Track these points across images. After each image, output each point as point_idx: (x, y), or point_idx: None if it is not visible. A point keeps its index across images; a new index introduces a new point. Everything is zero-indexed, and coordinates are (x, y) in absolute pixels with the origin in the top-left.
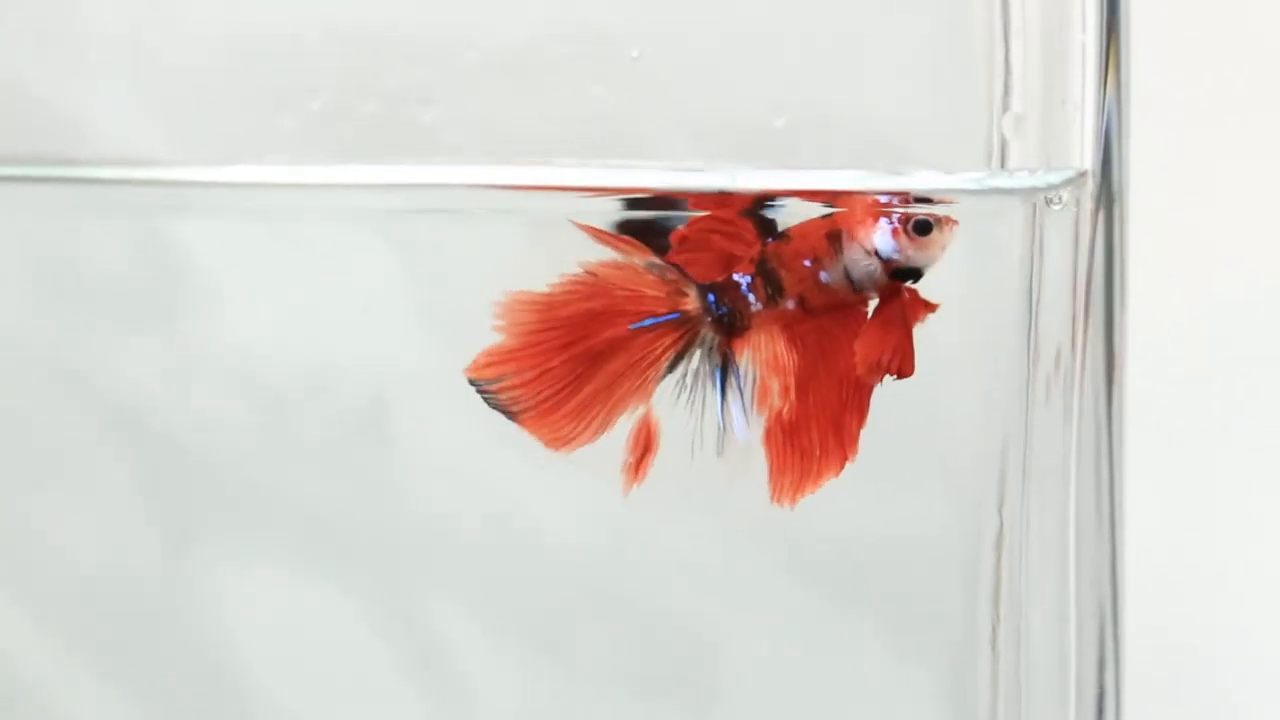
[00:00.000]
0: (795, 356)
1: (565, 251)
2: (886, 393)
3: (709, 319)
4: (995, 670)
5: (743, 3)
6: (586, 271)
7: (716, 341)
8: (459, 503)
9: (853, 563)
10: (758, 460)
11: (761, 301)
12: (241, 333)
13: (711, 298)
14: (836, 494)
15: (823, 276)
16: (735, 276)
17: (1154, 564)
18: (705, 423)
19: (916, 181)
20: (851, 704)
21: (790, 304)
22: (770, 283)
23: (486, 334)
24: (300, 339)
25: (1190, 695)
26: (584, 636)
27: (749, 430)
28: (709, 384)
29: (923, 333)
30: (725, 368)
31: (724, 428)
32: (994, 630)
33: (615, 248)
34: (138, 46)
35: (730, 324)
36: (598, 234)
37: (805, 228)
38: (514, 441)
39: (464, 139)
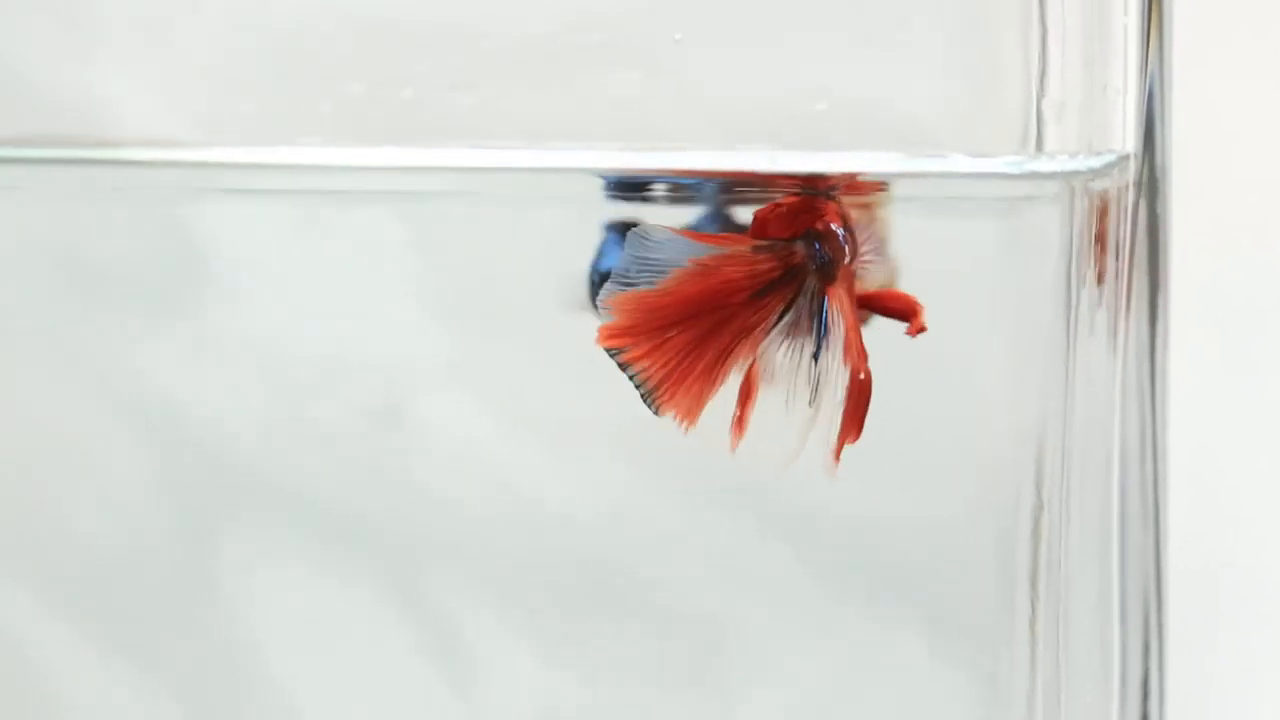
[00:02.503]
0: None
1: (593, 236)
2: (924, 373)
3: (813, 266)
4: (1033, 657)
5: None
6: (693, 262)
7: (817, 287)
8: (479, 493)
9: (883, 546)
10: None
11: (852, 254)
12: (264, 322)
13: (817, 245)
14: (868, 475)
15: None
16: (833, 226)
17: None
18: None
19: (955, 165)
20: (883, 693)
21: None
22: (853, 239)
23: (508, 326)
24: (322, 329)
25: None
26: (605, 627)
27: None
28: (809, 330)
29: (960, 314)
30: (824, 313)
31: (819, 374)
32: (1032, 615)
33: (716, 244)
34: (176, 32)
35: (828, 271)
36: (695, 236)
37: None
38: (533, 431)
39: (501, 124)
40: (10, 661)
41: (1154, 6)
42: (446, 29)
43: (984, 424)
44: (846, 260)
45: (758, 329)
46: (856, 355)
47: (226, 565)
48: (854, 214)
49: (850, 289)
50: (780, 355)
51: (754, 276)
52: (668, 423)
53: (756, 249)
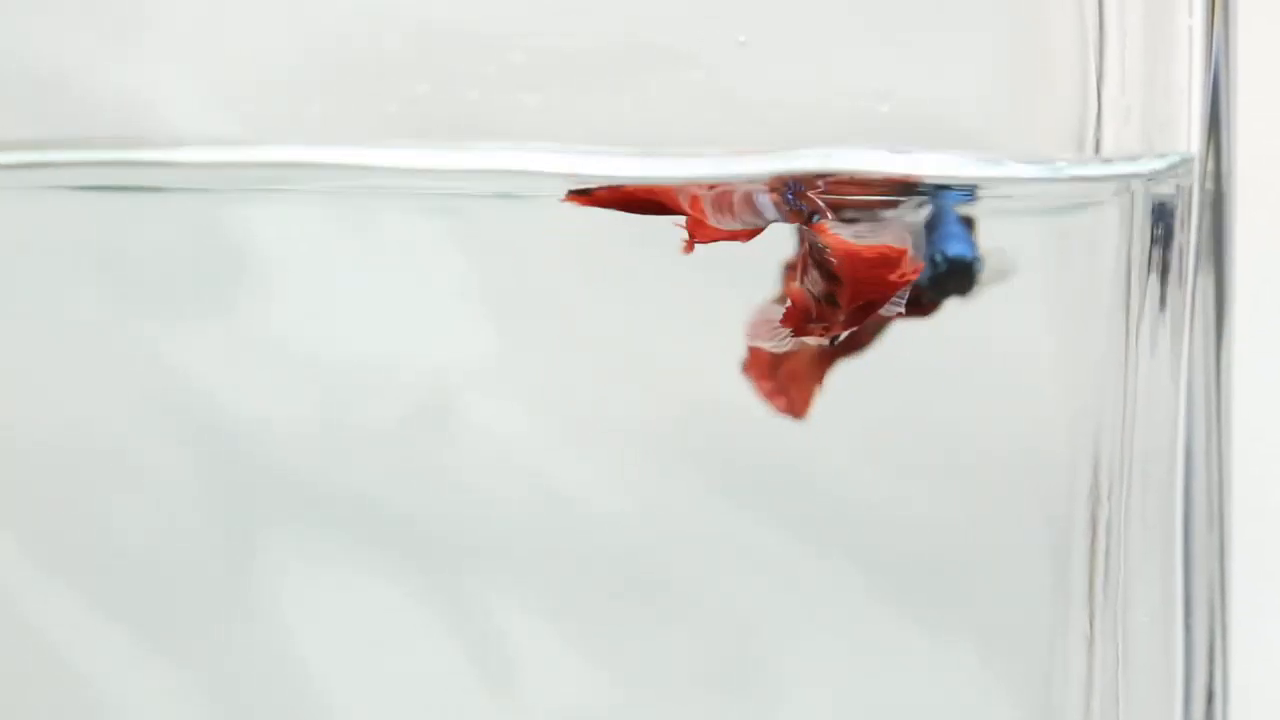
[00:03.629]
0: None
1: (636, 238)
2: (980, 375)
3: (787, 206)
4: (1090, 665)
5: None
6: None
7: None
8: (519, 493)
9: (933, 548)
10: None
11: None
12: (306, 323)
13: (790, 195)
14: (919, 476)
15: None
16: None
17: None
18: None
19: (1012, 170)
20: (930, 699)
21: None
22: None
23: (551, 326)
24: (364, 330)
25: None
26: (651, 631)
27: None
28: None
29: (1018, 315)
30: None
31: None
32: (1090, 622)
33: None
34: (239, 36)
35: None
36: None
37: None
38: (575, 432)
39: (565, 126)
40: (50, 661)
41: (1218, 5)
42: (505, 31)
43: (1041, 424)
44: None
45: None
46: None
47: (266, 566)
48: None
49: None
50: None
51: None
52: (708, 422)
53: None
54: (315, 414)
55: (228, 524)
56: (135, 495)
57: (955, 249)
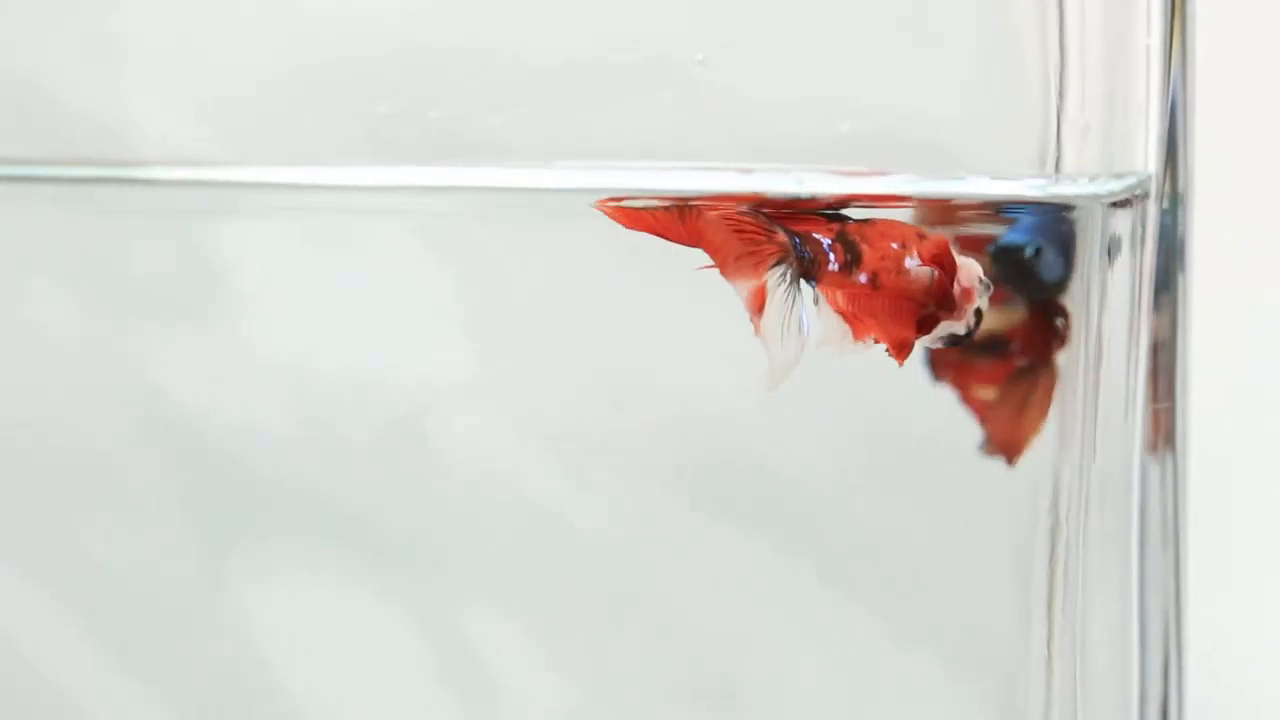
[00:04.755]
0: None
1: (617, 255)
2: (942, 393)
3: (793, 254)
4: (1049, 679)
5: (803, 8)
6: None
7: (794, 272)
8: (500, 509)
9: (903, 566)
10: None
11: (839, 264)
12: (285, 339)
13: (797, 240)
14: (888, 495)
15: (908, 262)
16: (816, 235)
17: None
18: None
19: (975, 187)
20: (899, 713)
21: (863, 277)
22: (849, 251)
23: (529, 341)
24: (343, 345)
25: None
26: (626, 645)
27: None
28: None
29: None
30: (793, 290)
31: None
32: (1049, 637)
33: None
34: (204, 56)
35: (808, 268)
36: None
37: (893, 222)
38: (555, 448)
39: (530, 145)
40: (28, 674)
41: (1176, 26)
42: (475, 51)
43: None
44: (834, 268)
45: (757, 264)
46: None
47: (243, 579)
48: (868, 230)
49: (846, 292)
50: (776, 297)
51: (739, 231)
52: (688, 436)
53: (745, 210)
54: (294, 429)
55: (205, 537)
56: (112, 507)
57: (1007, 238)
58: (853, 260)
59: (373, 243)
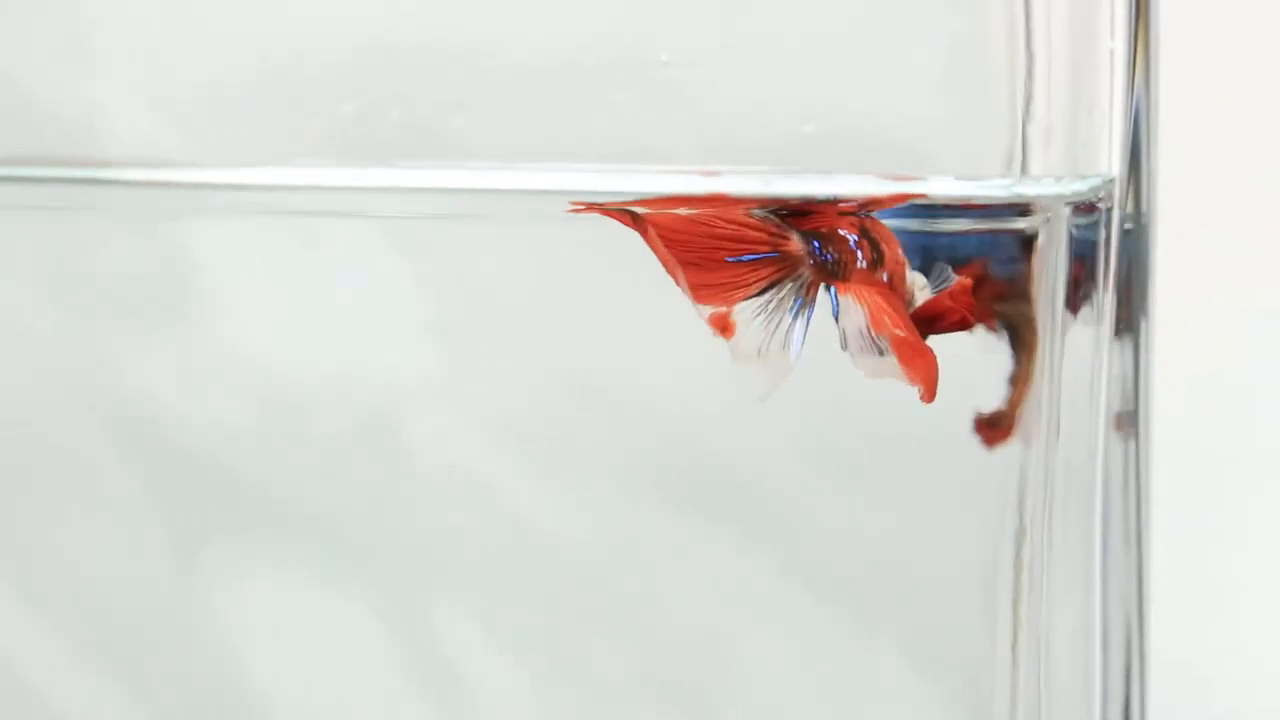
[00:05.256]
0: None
1: (586, 255)
2: (909, 393)
3: (811, 261)
4: (1014, 679)
5: (768, 10)
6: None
7: (810, 280)
8: (469, 511)
9: (869, 566)
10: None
11: (867, 262)
12: (254, 341)
13: (816, 244)
14: (850, 496)
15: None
16: (841, 231)
17: (1166, 585)
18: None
19: (940, 187)
20: (866, 712)
21: (885, 276)
22: (874, 249)
23: (498, 342)
24: (312, 346)
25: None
26: (593, 644)
27: (798, 353)
28: (787, 308)
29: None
30: (805, 300)
31: (783, 343)
32: (1014, 638)
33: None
34: (165, 57)
35: (832, 270)
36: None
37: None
38: (524, 449)
39: (491, 146)
40: None
41: (1140, 30)
42: (440, 52)
43: (968, 445)
44: (862, 265)
45: (734, 293)
46: (890, 327)
47: (213, 579)
48: (883, 229)
49: (877, 289)
50: (753, 321)
51: (739, 241)
52: (658, 442)
53: (754, 214)
54: (262, 429)
55: (174, 536)
56: (81, 507)
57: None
58: (878, 258)
59: (340, 243)
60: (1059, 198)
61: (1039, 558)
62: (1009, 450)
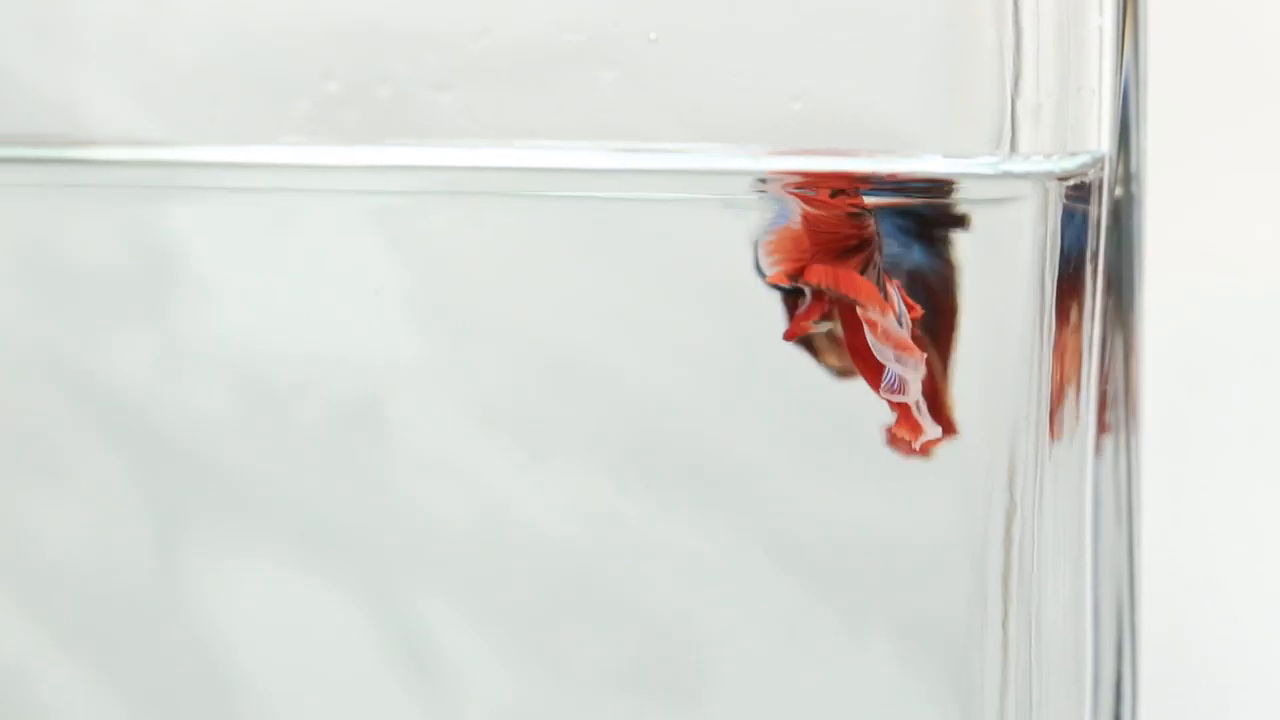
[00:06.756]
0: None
1: (571, 237)
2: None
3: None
4: (1005, 660)
5: None
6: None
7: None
8: (451, 497)
9: (856, 551)
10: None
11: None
12: (234, 324)
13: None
14: (842, 479)
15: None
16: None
17: (1156, 563)
18: None
19: (929, 165)
20: (856, 697)
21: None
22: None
23: (483, 326)
24: (294, 331)
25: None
26: (576, 633)
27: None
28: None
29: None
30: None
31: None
32: (1004, 618)
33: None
34: (148, 34)
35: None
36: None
37: None
38: (507, 436)
39: (479, 124)
40: None
41: (1129, 6)
42: (426, 29)
43: (957, 421)
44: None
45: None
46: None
47: (194, 565)
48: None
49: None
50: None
51: (840, 239)
52: (643, 429)
53: (849, 215)
54: (243, 412)
55: (154, 521)
56: (58, 492)
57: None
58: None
59: (323, 223)
60: (1048, 175)
61: (1030, 536)
62: (998, 428)
